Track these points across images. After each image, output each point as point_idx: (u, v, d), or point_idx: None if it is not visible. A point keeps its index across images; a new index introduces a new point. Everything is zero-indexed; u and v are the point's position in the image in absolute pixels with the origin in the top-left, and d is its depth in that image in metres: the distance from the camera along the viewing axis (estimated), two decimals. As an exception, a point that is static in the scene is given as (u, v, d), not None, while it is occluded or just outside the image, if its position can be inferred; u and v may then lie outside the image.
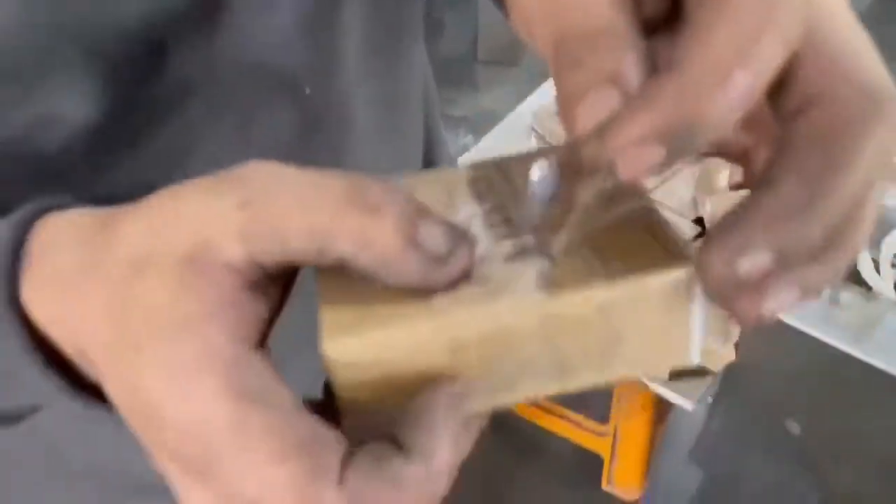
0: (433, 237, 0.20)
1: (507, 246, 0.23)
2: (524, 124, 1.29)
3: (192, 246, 0.20)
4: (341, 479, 0.19)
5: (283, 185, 0.20)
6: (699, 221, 1.06)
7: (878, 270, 0.81)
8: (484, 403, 0.22)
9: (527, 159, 0.25)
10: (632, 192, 0.23)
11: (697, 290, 0.21)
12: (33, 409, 0.29)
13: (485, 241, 0.23)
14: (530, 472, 1.55)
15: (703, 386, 0.92)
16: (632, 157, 0.19)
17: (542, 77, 1.39)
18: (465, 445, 0.21)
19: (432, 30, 2.65)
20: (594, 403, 1.41)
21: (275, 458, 0.19)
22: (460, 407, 0.21)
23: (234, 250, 0.20)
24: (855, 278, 0.83)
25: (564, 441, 1.46)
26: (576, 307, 0.21)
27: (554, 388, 0.23)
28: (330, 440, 0.20)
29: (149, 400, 0.20)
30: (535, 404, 1.44)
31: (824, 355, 0.79)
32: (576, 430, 1.43)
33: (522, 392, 0.23)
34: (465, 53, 2.55)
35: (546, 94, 1.35)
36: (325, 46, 0.37)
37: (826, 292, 0.81)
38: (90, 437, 0.44)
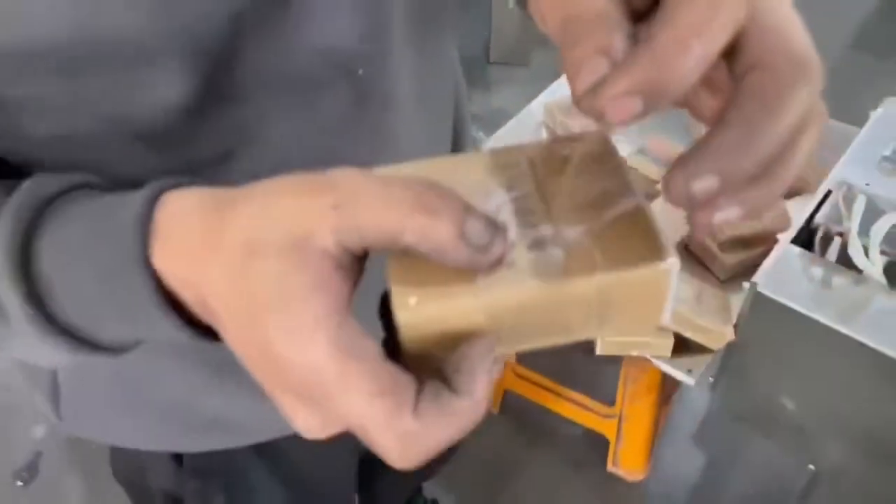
0: (477, 232, 0.26)
1: (530, 236, 0.29)
2: (535, 121, 1.35)
3: (297, 236, 0.26)
4: (415, 409, 0.26)
5: (365, 192, 0.26)
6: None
7: (867, 255, 0.87)
8: (507, 350, 0.30)
9: (545, 147, 0.32)
10: (627, 191, 0.30)
11: (673, 273, 0.28)
12: (137, 343, 0.36)
13: (513, 228, 0.29)
14: (537, 454, 1.60)
15: (703, 363, 0.97)
16: (617, 107, 0.26)
17: (551, 77, 1.45)
18: (494, 377, 0.28)
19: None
20: (601, 386, 1.46)
21: (370, 395, 0.26)
22: (491, 356, 0.28)
23: (329, 241, 0.26)
24: (846, 262, 0.89)
25: (572, 423, 1.50)
26: (581, 289, 0.28)
27: (560, 341, 0.30)
28: (406, 381, 0.27)
29: (273, 352, 0.26)
30: (543, 387, 1.49)
31: (816, 334, 0.85)
32: (583, 413, 1.47)
33: (536, 343, 0.30)
34: (478, 55, 2.61)
35: (555, 91, 1.41)
36: (375, 35, 0.44)
37: (819, 275, 0.87)
38: (176, 375, 0.51)
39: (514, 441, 1.59)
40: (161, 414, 0.56)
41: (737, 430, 1.48)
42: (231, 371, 0.52)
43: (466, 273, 0.27)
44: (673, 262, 0.27)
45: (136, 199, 0.31)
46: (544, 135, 1.33)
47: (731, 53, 0.27)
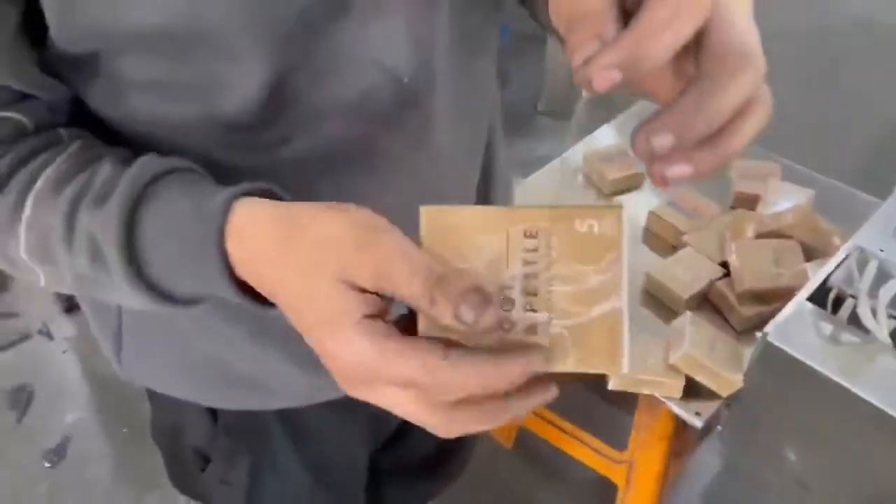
0: (468, 315, 0.34)
1: (528, 320, 0.37)
2: (571, 167, 1.41)
3: (339, 269, 0.36)
4: (446, 357, 0.35)
5: (396, 268, 0.35)
6: (724, 265, 1.15)
7: (875, 316, 0.90)
8: None
9: (569, 217, 0.38)
10: (616, 291, 0.38)
11: (623, 369, 0.37)
12: (202, 301, 0.45)
13: (518, 306, 0.38)
14: (547, 493, 1.62)
15: (712, 407, 1.00)
16: (602, 77, 0.33)
17: (594, 128, 1.51)
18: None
19: (498, 79, 2.80)
20: (614, 430, 1.48)
21: (407, 360, 0.35)
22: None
23: (359, 278, 0.36)
24: (856, 323, 0.92)
25: (584, 466, 1.52)
26: (553, 367, 0.37)
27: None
28: (431, 349, 0.35)
29: (327, 348, 0.37)
30: (556, 427, 1.51)
31: (822, 388, 0.88)
32: (593, 456, 1.48)
33: None
34: (527, 104, 2.69)
35: (595, 140, 1.47)
36: (421, 47, 0.51)
37: (829, 332, 0.91)
38: (219, 332, 0.58)
39: (526, 478, 1.60)
40: (202, 366, 0.63)
41: (748, 493, 1.48)
42: (265, 335, 0.59)
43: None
44: (624, 366, 0.37)
45: (222, 194, 0.40)
46: (580, 180, 1.39)
47: (696, 45, 0.34)
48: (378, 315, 0.36)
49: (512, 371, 0.35)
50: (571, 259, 0.37)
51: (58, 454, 1.64)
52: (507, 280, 0.37)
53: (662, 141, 0.33)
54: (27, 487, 1.59)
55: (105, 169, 0.44)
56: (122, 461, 1.62)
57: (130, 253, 0.42)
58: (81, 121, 0.50)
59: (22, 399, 1.74)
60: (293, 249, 0.37)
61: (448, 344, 0.35)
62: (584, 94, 2.49)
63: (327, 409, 0.66)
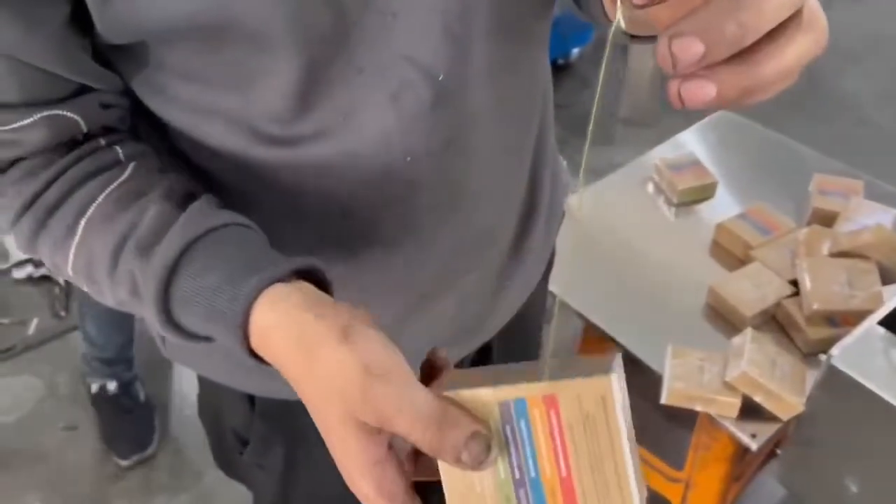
0: (468, 459, 0.36)
1: (513, 473, 0.38)
2: (641, 176, 1.38)
3: (345, 412, 0.38)
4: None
5: (390, 401, 0.37)
6: (794, 283, 1.10)
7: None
8: None
9: (580, 394, 0.37)
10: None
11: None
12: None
13: (503, 463, 0.38)
14: None
15: (770, 430, 0.96)
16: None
17: (671, 135, 1.47)
18: None
19: (579, 85, 2.77)
20: (671, 448, 1.44)
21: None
22: None
23: (366, 420, 0.38)
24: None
25: (637, 481, 1.48)
26: None
27: None
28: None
29: (331, 442, 0.39)
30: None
31: (887, 416, 0.83)
32: (649, 471, 1.45)
33: None
34: (608, 111, 2.64)
35: (668, 149, 1.43)
36: (458, 46, 0.50)
37: (892, 354, 0.85)
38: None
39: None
40: (238, 357, 0.64)
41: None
42: None
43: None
44: None
45: (257, 278, 0.42)
46: (650, 189, 1.36)
47: None
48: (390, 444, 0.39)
49: None
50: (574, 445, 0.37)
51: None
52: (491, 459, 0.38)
53: (686, 46, 0.27)
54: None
55: (154, 209, 0.47)
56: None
57: (165, 304, 0.46)
58: (132, 119, 0.52)
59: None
60: (305, 384, 0.40)
61: None
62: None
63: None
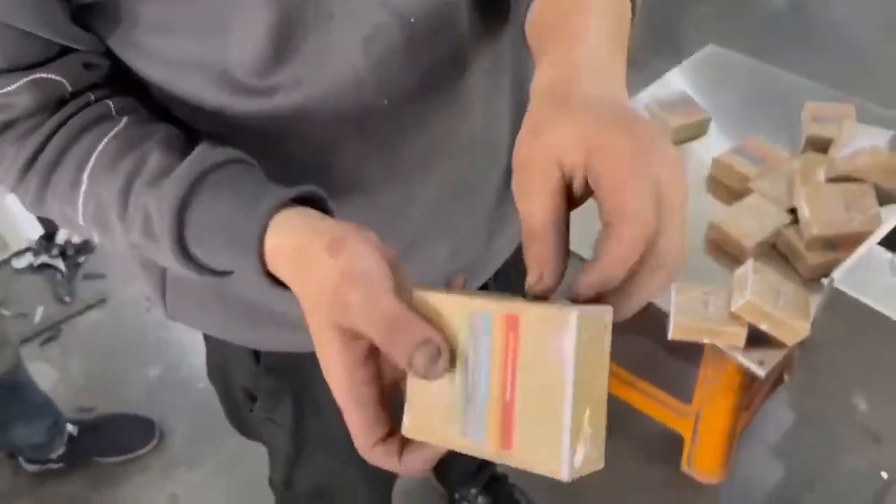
0: (419, 364, 0.36)
1: (467, 387, 0.37)
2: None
3: (327, 314, 0.39)
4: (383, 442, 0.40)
5: (358, 301, 0.38)
6: (792, 211, 1.11)
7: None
8: None
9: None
10: None
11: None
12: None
13: (461, 376, 0.37)
14: (610, 446, 1.58)
15: (776, 357, 0.98)
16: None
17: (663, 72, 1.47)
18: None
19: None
20: (680, 383, 1.46)
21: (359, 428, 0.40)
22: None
23: (341, 322, 0.39)
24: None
25: (647, 418, 1.51)
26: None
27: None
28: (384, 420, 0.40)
29: (318, 350, 0.40)
30: (619, 378, 1.50)
31: (892, 334, 0.84)
32: (658, 408, 1.46)
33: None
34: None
35: (657, 89, 1.43)
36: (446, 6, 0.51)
37: (893, 273, 0.86)
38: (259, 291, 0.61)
39: (590, 431, 1.59)
40: (239, 307, 0.65)
41: (819, 446, 1.44)
42: None
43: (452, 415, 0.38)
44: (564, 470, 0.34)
45: (266, 203, 0.44)
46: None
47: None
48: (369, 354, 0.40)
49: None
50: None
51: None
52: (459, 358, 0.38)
53: (588, 291, 0.36)
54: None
55: (157, 152, 0.49)
56: (200, 420, 1.70)
57: (180, 235, 0.47)
58: (115, 78, 0.53)
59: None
60: (301, 297, 0.42)
61: None
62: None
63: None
